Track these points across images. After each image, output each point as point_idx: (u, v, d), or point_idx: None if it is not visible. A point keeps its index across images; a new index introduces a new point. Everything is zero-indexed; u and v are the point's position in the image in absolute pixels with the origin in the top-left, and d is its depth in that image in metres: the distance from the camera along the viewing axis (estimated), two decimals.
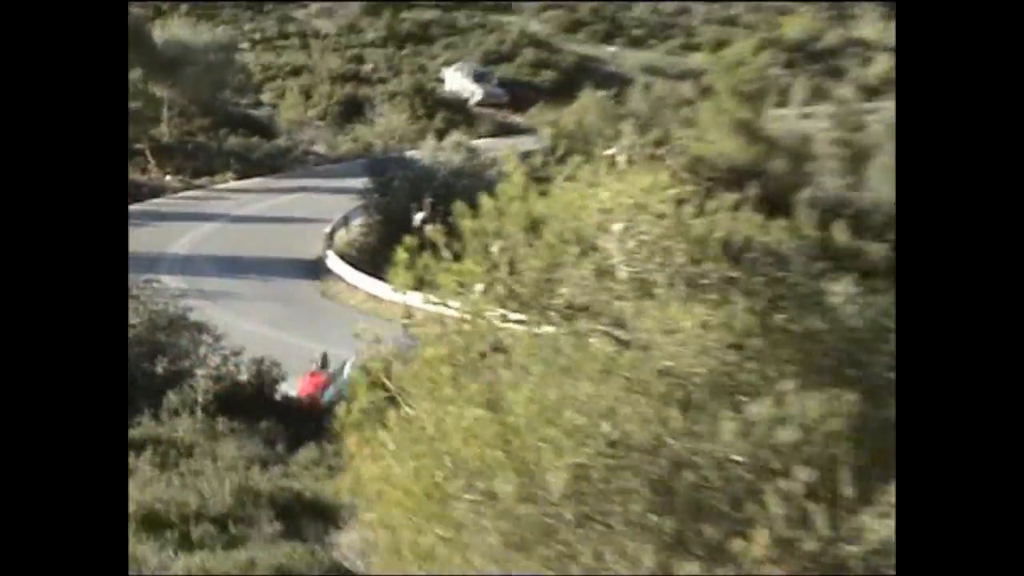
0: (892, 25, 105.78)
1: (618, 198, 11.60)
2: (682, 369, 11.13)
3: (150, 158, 71.22)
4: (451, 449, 11.20)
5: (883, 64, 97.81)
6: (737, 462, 11.00)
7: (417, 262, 11.86)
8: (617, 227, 11.57)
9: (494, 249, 11.75)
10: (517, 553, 11.36)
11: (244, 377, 31.27)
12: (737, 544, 10.62)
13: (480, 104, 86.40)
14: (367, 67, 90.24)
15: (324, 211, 60.89)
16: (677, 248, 11.50)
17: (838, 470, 10.80)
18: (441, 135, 71.29)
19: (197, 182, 70.31)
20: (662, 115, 72.74)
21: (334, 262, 54.08)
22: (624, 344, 11.40)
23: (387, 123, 77.30)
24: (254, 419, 29.35)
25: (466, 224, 11.78)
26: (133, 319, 29.21)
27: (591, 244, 11.69)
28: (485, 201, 11.82)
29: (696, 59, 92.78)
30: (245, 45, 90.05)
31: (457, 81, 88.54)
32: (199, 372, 30.28)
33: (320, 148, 79.50)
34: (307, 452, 28.30)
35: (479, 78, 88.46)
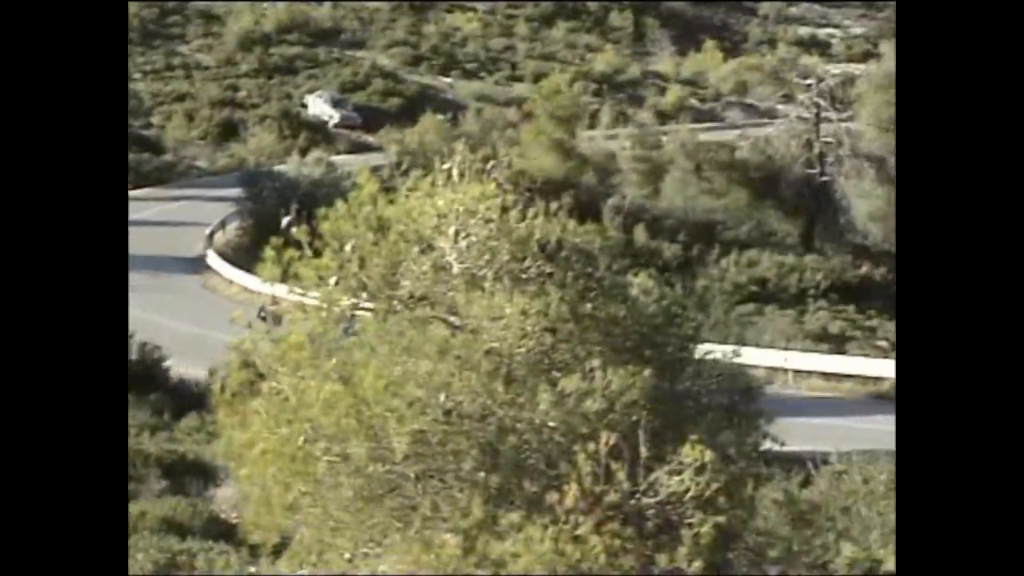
0: (683, 61, 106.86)
1: (452, 205, 11.57)
2: (506, 349, 11.12)
3: None
4: (311, 417, 11.11)
5: (675, 93, 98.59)
6: (552, 428, 11.01)
7: (283, 258, 11.76)
8: (451, 229, 11.54)
9: (347, 248, 11.68)
10: (368, 505, 11.30)
11: (135, 357, 30.86)
12: (552, 497, 10.63)
13: (337, 126, 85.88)
14: (241, 94, 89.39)
15: (205, 216, 60.26)
16: (502, 247, 11.49)
17: (637, 434, 10.83)
18: (304, 152, 70.87)
19: None
20: (490, 135, 72.73)
21: (213, 259, 53.55)
22: (457, 328, 11.37)
23: (258, 142, 76.50)
24: (143, 392, 28.99)
25: (324, 226, 11.70)
26: None
27: (429, 244, 11.66)
28: (340, 207, 11.74)
29: (520, 88, 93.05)
30: (137, 75, 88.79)
31: (318, 106, 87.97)
32: None
33: (201, 163, 78.64)
34: (189, 420, 28.04)
35: (336, 104, 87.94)
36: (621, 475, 10.67)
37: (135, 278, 48.27)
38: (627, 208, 62.18)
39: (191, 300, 46.70)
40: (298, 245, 11.74)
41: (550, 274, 11.61)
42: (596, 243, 12.37)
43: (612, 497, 10.68)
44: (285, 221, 48.54)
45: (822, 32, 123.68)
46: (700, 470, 10.74)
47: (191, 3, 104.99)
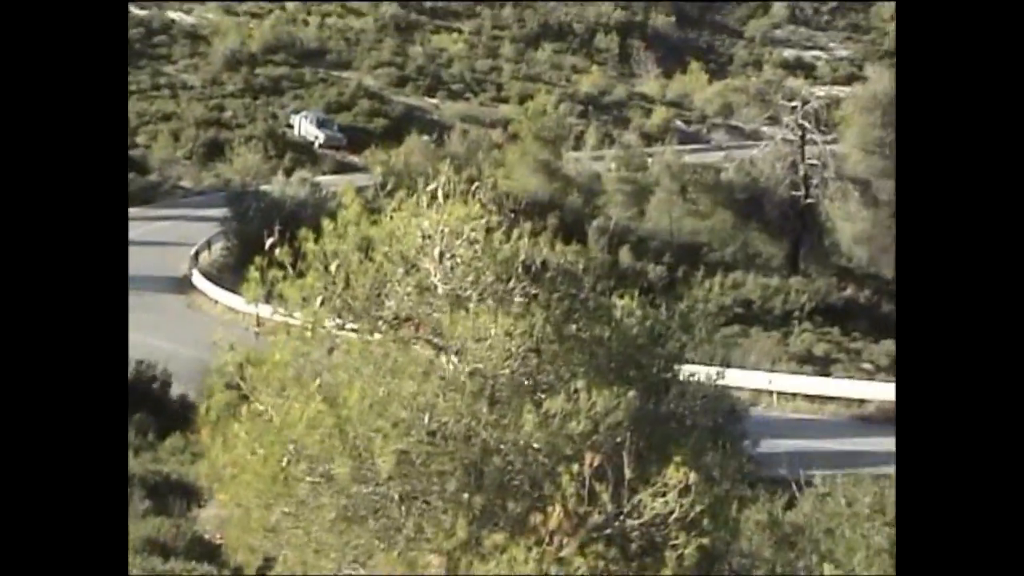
0: (668, 83, 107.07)
1: (437, 226, 11.57)
2: (490, 370, 11.11)
3: None
4: (294, 438, 11.10)
5: (661, 115, 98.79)
6: (536, 449, 11.00)
7: (267, 278, 11.75)
8: (435, 250, 11.54)
9: (332, 268, 11.67)
10: (351, 526, 11.29)
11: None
12: (536, 518, 10.62)
13: (323, 146, 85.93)
14: (227, 114, 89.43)
15: (190, 236, 60.26)
16: (487, 268, 11.49)
17: (621, 455, 10.83)
18: (289, 172, 70.95)
19: None
20: (476, 156, 72.84)
21: (198, 279, 53.54)
22: (441, 349, 11.36)
23: (243, 162, 76.45)
24: (128, 412, 28.90)
25: (309, 247, 11.70)
26: None
27: (414, 264, 11.65)
28: (325, 227, 11.74)
29: (505, 110, 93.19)
30: None
31: (303, 127, 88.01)
32: None
33: (187, 182, 78.64)
34: (173, 441, 27.98)
35: (322, 124, 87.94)
36: (605, 496, 10.67)
37: None
38: (612, 229, 62.28)
39: (176, 320, 46.62)
40: (282, 265, 11.73)
41: (535, 295, 11.61)
42: (581, 264, 12.38)
43: (596, 518, 10.68)
44: (269, 241, 48.60)
45: (807, 54, 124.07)
46: (684, 491, 10.74)
47: (176, 23, 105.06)
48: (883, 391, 35.65)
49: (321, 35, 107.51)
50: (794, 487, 19.84)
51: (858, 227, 62.14)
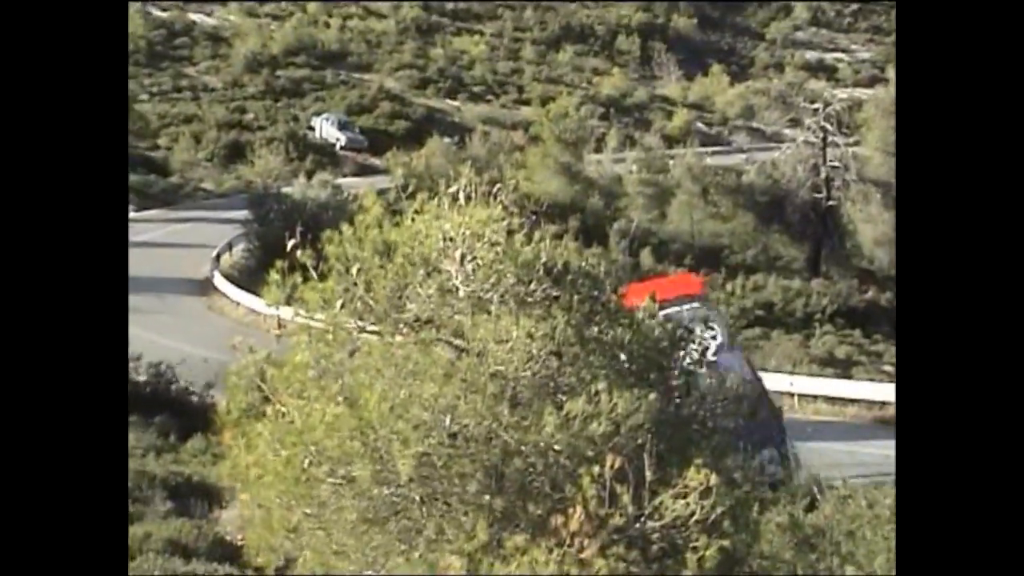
0: (690, 85, 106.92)
1: (458, 228, 11.58)
2: (511, 372, 11.12)
3: None
4: (316, 440, 11.12)
5: (682, 117, 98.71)
6: (557, 451, 11.01)
7: (288, 281, 11.78)
8: (457, 253, 11.56)
9: (353, 271, 11.69)
10: (371, 528, 11.30)
11: (142, 378, 30.92)
12: (557, 520, 10.63)
13: (344, 148, 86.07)
14: (248, 116, 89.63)
15: (211, 238, 60.38)
16: (508, 271, 11.50)
17: (642, 457, 10.83)
18: (310, 175, 70.98)
19: None
20: (497, 158, 72.87)
21: (219, 281, 53.62)
22: (462, 351, 11.37)
23: (265, 164, 76.54)
24: (150, 414, 29.02)
25: (330, 249, 11.72)
26: None
27: (435, 267, 11.66)
28: (346, 230, 11.76)
29: (526, 112, 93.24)
30: (144, 97, 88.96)
31: (325, 129, 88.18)
32: None
33: (208, 185, 78.82)
34: (195, 442, 28.05)
35: (343, 127, 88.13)
36: (626, 498, 10.66)
37: (141, 299, 48.60)
38: (633, 232, 62.29)
39: (197, 322, 46.72)
40: (303, 268, 11.76)
41: (556, 297, 11.62)
42: (602, 266, 12.38)
43: (617, 520, 10.68)
44: (291, 244, 48.70)
45: (829, 57, 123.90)
46: (705, 494, 10.73)
47: (198, 25, 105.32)
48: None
49: (342, 37, 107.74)
50: (815, 489, 19.83)
51: (879, 229, 62.00)
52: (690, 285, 29.69)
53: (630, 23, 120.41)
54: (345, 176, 75.15)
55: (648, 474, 10.80)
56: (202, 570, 18.23)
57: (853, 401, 36.98)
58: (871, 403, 36.62)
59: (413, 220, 11.87)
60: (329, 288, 11.68)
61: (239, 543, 19.15)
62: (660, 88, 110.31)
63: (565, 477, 11.00)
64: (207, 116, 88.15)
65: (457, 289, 11.62)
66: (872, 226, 62.66)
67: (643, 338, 12.24)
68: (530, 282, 11.56)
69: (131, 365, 30.59)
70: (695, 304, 26.33)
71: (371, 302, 11.74)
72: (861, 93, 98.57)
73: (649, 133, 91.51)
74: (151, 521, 20.94)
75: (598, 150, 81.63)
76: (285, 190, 64.38)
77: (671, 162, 72.78)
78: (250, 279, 50.04)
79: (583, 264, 12.12)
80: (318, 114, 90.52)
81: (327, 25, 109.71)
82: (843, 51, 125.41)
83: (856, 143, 67.12)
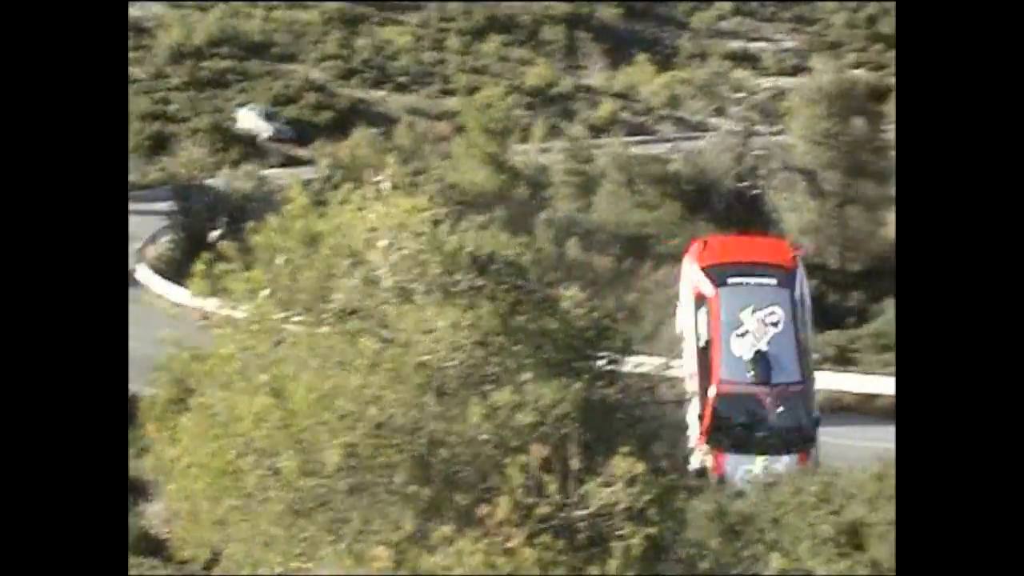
0: (615, 75, 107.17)
1: (383, 219, 11.59)
2: (437, 362, 11.14)
3: None
4: (242, 431, 11.10)
5: (608, 107, 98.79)
6: (483, 441, 11.04)
7: (213, 272, 11.74)
8: (382, 243, 11.55)
9: (278, 261, 11.67)
10: (298, 519, 11.29)
11: None
12: (484, 510, 10.65)
13: (269, 140, 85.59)
14: (172, 107, 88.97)
15: (136, 230, 59.89)
16: (433, 261, 11.52)
17: (568, 447, 10.87)
18: (236, 166, 70.55)
19: None
20: (422, 149, 72.71)
21: (144, 273, 53.21)
22: (388, 342, 11.38)
23: (189, 155, 75.88)
24: None
25: (255, 240, 11.70)
26: None
27: (360, 257, 11.66)
28: (271, 221, 11.74)
29: (452, 102, 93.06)
30: None
31: (250, 120, 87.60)
32: None
33: (132, 176, 78.16)
34: None
35: (268, 117, 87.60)
36: (552, 488, 10.71)
37: None
38: (559, 221, 62.24)
39: None
40: (228, 259, 11.72)
41: (481, 287, 11.64)
42: (527, 256, 12.42)
43: (543, 510, 10.73)
44: (215, 235, 48.35)
45: (753, 46, 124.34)
46: (631, 482, 10.79)
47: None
48: (830, 381, 35.81)
49: (266, 28, 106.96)
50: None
51: (804, 218, 62.25)
52: (780, 252, 27.82)
53: (555, 13, 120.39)
54: (270, 167, 74.68)
55: (574, 463, 10.85)
56: (128, 564, 18.12)
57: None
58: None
59: (338, 211, 11.86)
60: (254, 279, 11.65)
61: (164, 537, 19.06)
62: (585, 78, 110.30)
63: (491, 467, 11.04)
64: (131, 107, 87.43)
65: (382, 279, 11.62)
66: (797, 214, 62.88)
67: (569, 328, 12.28)
68: (455, 272, 11.58)
69: None
70: (772, 280, 24.35)
71: (296, 293, 11.72)
72: (785, 82, 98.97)
73: (574, 123, 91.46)
74: None
75: (524, 140, 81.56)
76: (210, 182, 63.97)
77: (596, 152, 72.75)
78: (175, 271, 49.67)
79: (508, 254, 12.15)
80: (242, 105, 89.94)
81: (251, 16, 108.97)
82: (767, 40, 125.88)
83: (780, 132, 67.41)
